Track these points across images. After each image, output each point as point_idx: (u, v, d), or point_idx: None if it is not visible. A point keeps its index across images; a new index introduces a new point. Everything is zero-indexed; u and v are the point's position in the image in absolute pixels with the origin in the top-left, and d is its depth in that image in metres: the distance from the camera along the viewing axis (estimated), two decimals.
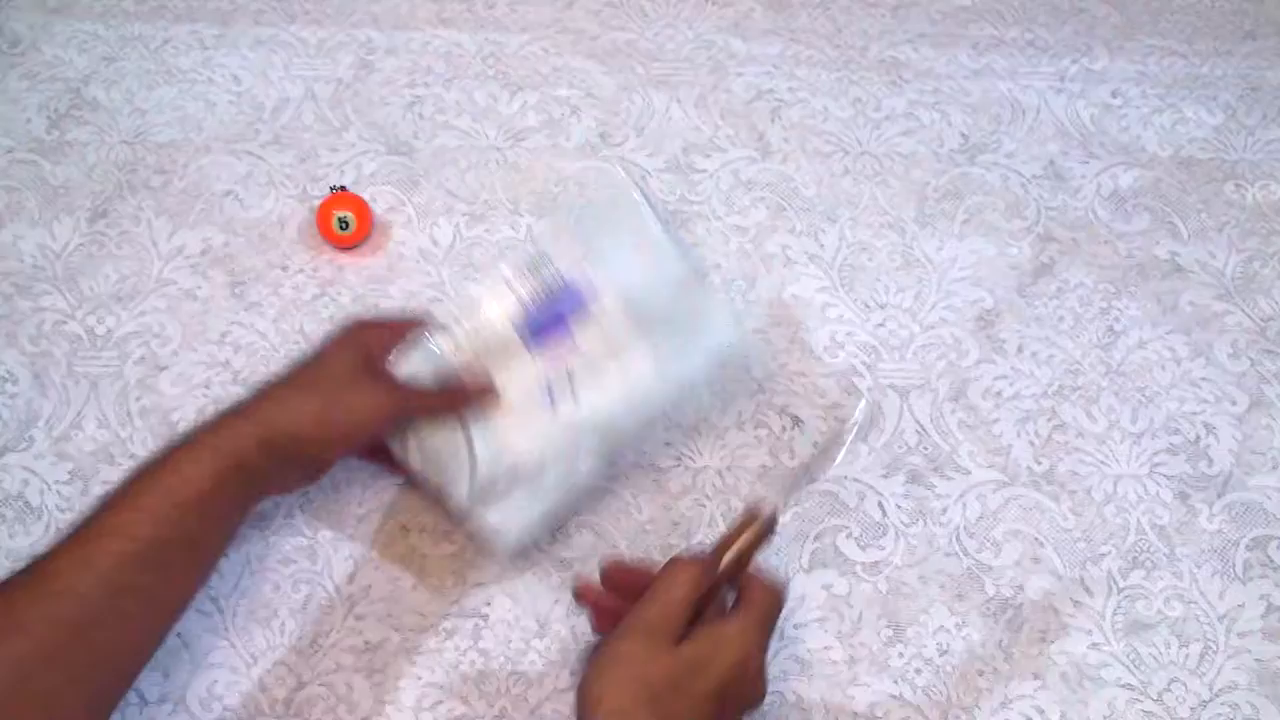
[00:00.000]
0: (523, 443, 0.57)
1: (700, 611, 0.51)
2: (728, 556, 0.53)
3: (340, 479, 0.64)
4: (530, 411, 0.58)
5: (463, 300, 0.59)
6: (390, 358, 0.58)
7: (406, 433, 0.58)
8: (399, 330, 0.59)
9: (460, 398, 0.58)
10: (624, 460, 0.64)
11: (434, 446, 0.58)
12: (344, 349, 0.57)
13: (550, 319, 0.58)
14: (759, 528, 0.54)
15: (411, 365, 0.58)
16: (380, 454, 0.61)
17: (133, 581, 0.48)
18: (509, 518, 0.58)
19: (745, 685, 0.50)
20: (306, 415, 0.53)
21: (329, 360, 0.56)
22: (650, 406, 0.59)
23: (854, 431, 0.57)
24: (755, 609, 0.51)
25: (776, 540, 0.63)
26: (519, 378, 0.58)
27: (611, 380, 0.58)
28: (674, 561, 0.52)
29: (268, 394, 0.54)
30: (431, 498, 0.61)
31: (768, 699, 0.58)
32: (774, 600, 0.52)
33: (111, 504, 0.49)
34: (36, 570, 0.47)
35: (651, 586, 0.50)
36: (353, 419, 0.54)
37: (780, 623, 0.60)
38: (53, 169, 0.76)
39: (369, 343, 0.58)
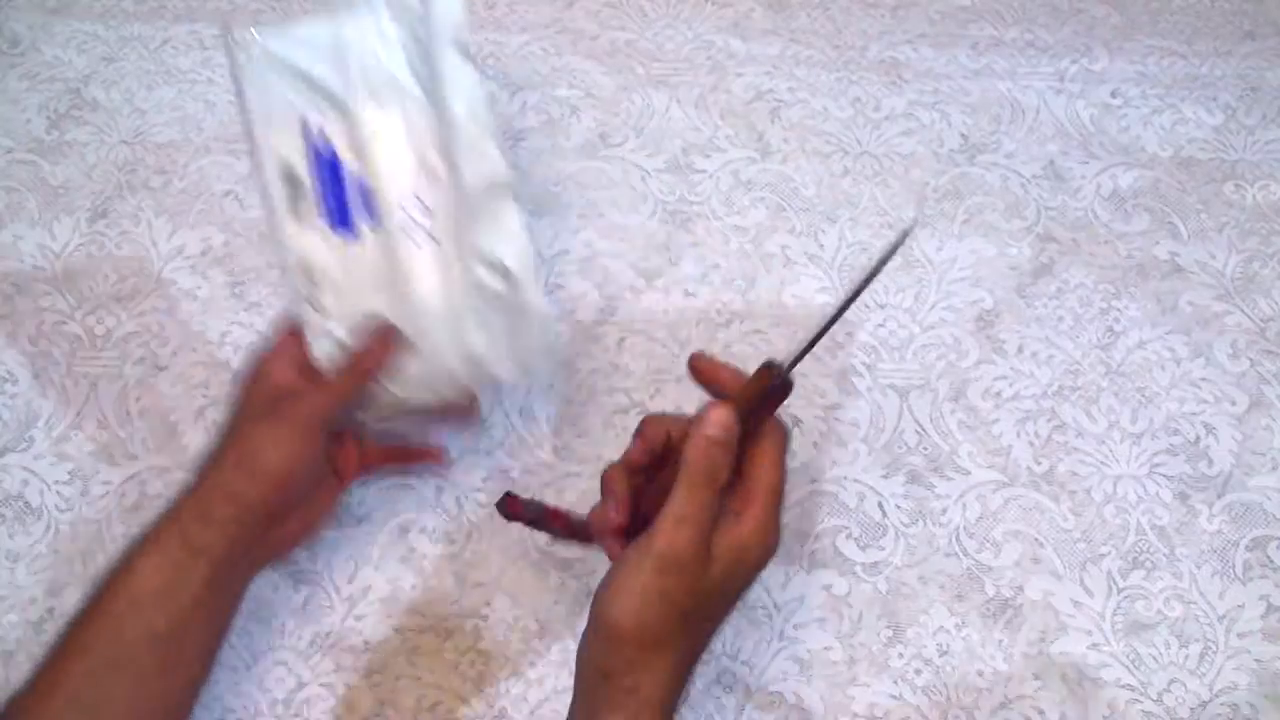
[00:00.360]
0: (459, 285, 0.52)
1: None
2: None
3: None
4: (429, 265, 0.53)
5: (289, 270, 0.54)
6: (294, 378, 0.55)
7: (372, 408, 0.55)
8: (286, 345, 0.56)
9: (369, 361, 0.54)
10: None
11: (416, 378, 0.53)
12: (247, 394, 0.55)
13: (339, 191, 0.53)
14: (777, 392, 0.47)
15: (323, 364, 0.54)
16: (358, 460, 0.59)
17: (105, 694, 0.47)
18: (530, 334, 0.52)
19: (761, 571, 0.47)
20: (232, 474, 0.51)
21: (239, 411, 0.54)
22: (458, 129, 0.52)
23: (887, 257, 0.49)
24: (769, 495, 0.46)
25: None
26: (386, 256, 0.53)
27: (419, 150, 0.53)
28: (689, 474, 0.45)
29: (200, 471, 0.53)
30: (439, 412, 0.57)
31: (766, 699, 0.58)
32: (783, 465, 0.47)
33: (75, 619, 0.49)
34: (9, 707, 0.47)
35: (671, 511, 0.44)
36: (280, 457, 0.52)
37: (780, 624, 0.60)
38: (52, 169, 0.76)
39: (268, 374, 0.55)
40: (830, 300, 0.72)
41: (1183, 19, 0.88)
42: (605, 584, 0.45)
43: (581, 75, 0.82)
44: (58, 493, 0.63)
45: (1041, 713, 0.58)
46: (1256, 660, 0.60)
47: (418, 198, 0.51)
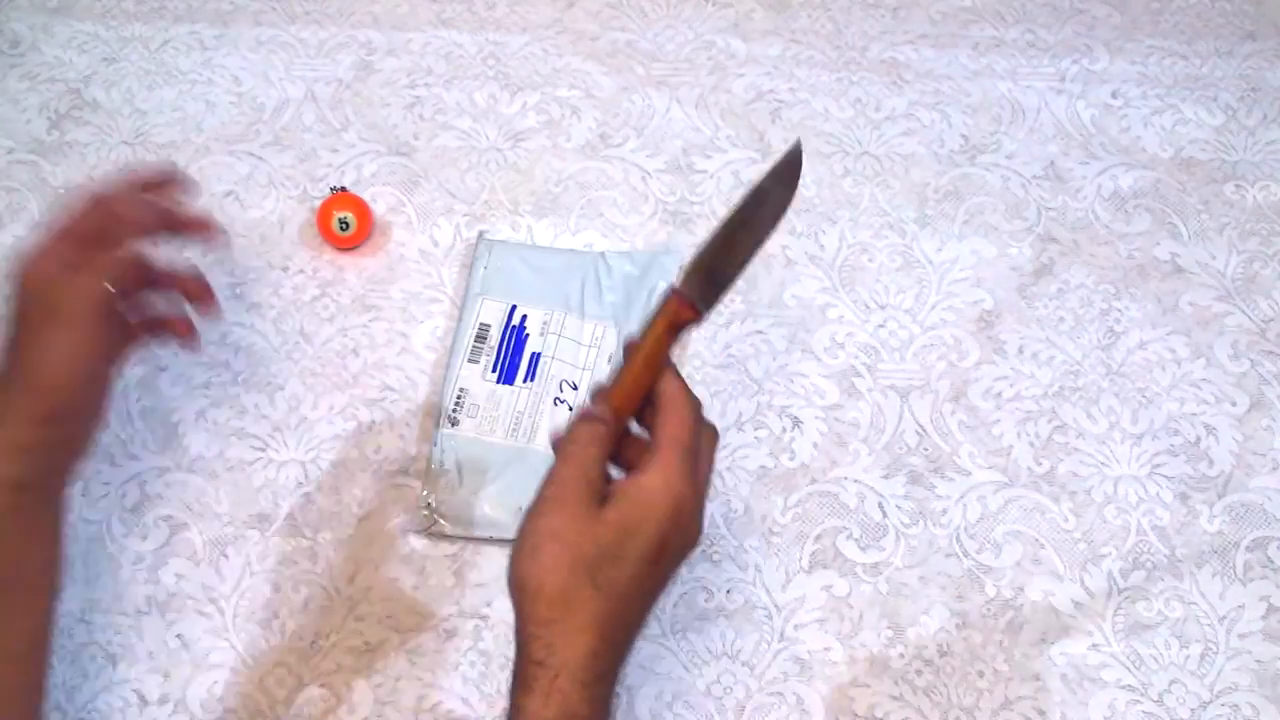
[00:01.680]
0: None
1: (616, 456, 0.47)
2: (634, 364, 0.47)
3: (340, 480, 0.64)
4: (555, 420, 0.65)
5: (449, 394, 0.66)
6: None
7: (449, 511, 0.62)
8: (46, 242, 0.51)
9: (135, 222, 0.53)
10: None
11: (493, 497, 0.63)
12: (14, 302, 0.50)
13: (515, 357, 0.67)
14: (666, 319, 0.47)
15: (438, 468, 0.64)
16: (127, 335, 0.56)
17: None
18: None
19: (681, 534, 0.45)
20: (20, 396, 0.48)
21: (12, 324, 0.50)
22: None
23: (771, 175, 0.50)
24: (672, 446, 0.45)
25: (777, 542, 0.63)
26: (532, 409, 0.66)
27: (589, 358, 0.68)
28: (576, 419, 0.47)
29: None
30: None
31: (767, 700, 0.58)
32: (689, 408, 0.46)
33: None
34: None
35: (558, 450, 0.46)
36: (61, 360, 0.49)
37: (780, 625, 0.60)
38: (53, 170, 0.76)
39: (27, 275, 0.51)
40: (829, 301, 0.72)
41: (1183, 19, 0.88)
42: (514, 547, 0.44)
43: (582, 76, 0.82)
44: None
45: (1042, 713, 0.58)
46: (1257, 661, 0.60)
47: (571, 382, 0.67)
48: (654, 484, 0.44)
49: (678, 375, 0.48)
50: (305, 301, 0.71)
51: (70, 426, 0.51)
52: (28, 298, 0.50)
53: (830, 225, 0.75)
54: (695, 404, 0.47)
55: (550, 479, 0.45)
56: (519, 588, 0.43)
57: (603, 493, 0.45)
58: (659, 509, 0.44)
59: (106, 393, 0.53)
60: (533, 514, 0.44)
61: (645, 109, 0.81)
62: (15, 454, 0.48)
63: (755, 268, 0.73)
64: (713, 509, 0.64)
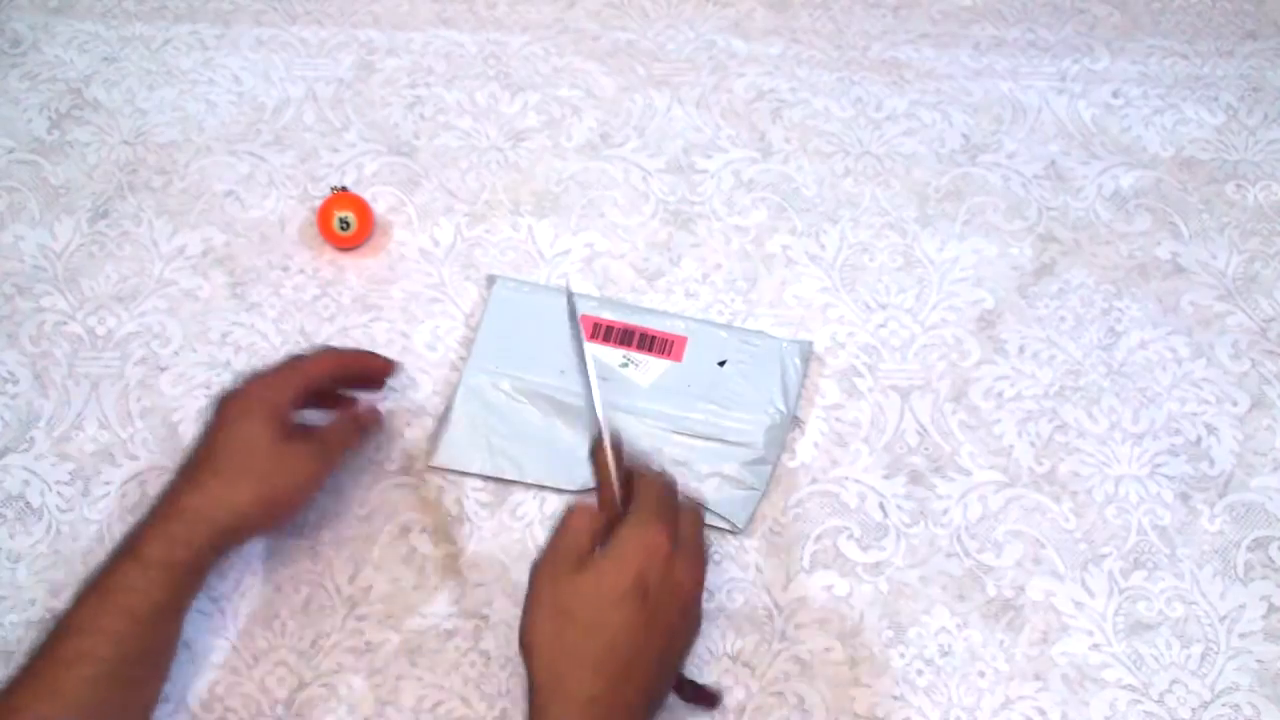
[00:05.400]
0: None
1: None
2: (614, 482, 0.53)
3: (342, 479, 0.64)
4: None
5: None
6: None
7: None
8: (291, 377, 0.58)
9: (359, 419, 0.62)
10: None
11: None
12: (251, 418, 0.56)
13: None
14: (613, 449, 0.54)
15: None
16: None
17: (102, 701, 0.49)
18: None
19: (666, 581, 0.49)
20: (247, 504, 0.54)
21: (244, 436, 0.55)
22: None
23: (575, 320, 0.58)
24: (643, 502, 0.51)
25: (778, 542, 0.63)
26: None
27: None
28: (568, 509, 0.52)
29: (198, 487, 0.54)
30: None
31: (768, 700, 0.58)
32: (660, 486, 0.52)
33: (69, 628, 0.50)
34: (2, 705, 0.48)
35: (551, 533, 0.52)
36: (291, 491, 0.56)
37: (781, 625, 0.60)
38: (53, 169, 0.76)
39: (272, 400, 0.57)
40: (830, 301, 0.72)
41: (1184, 18, 0.88)
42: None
43: (583, 75, 0.82)
44: (59, 493, 0.63)
45: (1043, 713, 0.58)
46: (1258, 661, 0.60)
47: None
48: (625, 532, 0.50)
49: (649, 469, 0.54)
50: (306, 301, 0.71)
51: (241, 532, 0.55)
52: (263, 414, 0.56)
53: (831, 225, 0.75)
54: (668, 481, 0.53)
55: (543, 553, 0.51)
56: (522, 648, 0.49)
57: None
58: (632, 549, 0.49)
59: (279, 515, 0.58)
60: (528, 586, 0.50)
61: (646, 109, 0.81)
62: (214, 550, 0.53)
63: (757, 268, 0.73)
64: None
